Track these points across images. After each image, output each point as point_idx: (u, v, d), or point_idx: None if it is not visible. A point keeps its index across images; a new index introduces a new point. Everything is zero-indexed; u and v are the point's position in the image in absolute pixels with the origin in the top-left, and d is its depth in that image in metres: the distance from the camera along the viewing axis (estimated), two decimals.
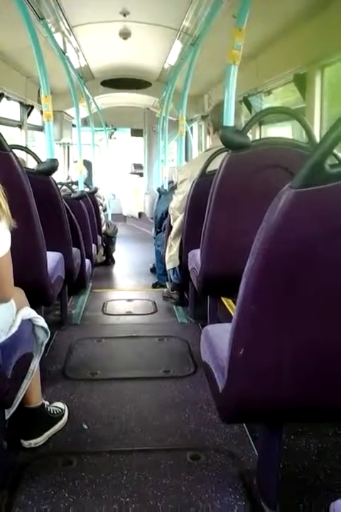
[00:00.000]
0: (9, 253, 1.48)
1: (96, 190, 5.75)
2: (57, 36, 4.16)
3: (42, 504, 1.54)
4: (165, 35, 4.52)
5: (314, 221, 1.05)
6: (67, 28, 4.11)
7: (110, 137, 9.73)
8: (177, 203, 3.24)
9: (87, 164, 6.10)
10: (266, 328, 1.16)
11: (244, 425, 1.96)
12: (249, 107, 4.39)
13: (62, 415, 2.02)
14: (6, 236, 1.44)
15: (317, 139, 2.32)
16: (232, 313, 1.30)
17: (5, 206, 1.42)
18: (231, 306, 3.41)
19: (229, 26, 2.27)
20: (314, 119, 3.04)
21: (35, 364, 1.77)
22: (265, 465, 1.54)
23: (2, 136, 1.97)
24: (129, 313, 3.72)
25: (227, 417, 1.45)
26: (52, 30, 3.90)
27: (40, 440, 1.86)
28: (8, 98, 4.69)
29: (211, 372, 1.44)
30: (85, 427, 2.00)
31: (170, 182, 5.23)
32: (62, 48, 4.45)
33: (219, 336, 1.51)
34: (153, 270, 5.12)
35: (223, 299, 3.46)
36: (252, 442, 1.87)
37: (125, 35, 4.48)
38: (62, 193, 3.34)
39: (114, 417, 2.08)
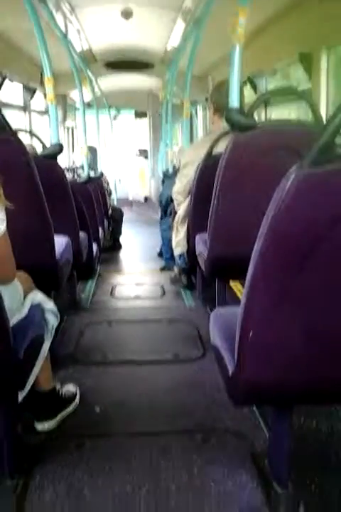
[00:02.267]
0: (6, 233, 1.48)
1: (101, 175, 5.75)
2: (59, 18, 4.12)
3: (57, 484, 1.57)
4: (167, 14, 4.46)
5: (323, 202, 1.04)
6: (69, 9, 4.07)
7: (114, 118, 9.68)
8: (181, 187, 3.20)
9: (92, 150, 6.09)
10: (275, 310, 1.16)
11: (254, 407, 1.97)
12: (254, 87, 4.34)
13: (74, 397, 2.05)
14: (1, 216, 1.43)
15: (324, 120, 2.30)
16: (240, 297, 1.30)
17: None
18: (239, 289, 3.41)
19: (232, 5, 2.24)
20: (320, 99, 3.00)
21: (45, 348, 1.79)
22: (276, 446, 1.56)
23: (6, 119, 1.97)
24: (138, 297, 3.75)
25: (237, 399, 1.46)
26: (54, 11, 3.86)
27: (53, 422, 1.89)
28: (11, 80, 4.67)
29: (220, 355, 1.45)
30: (97, 410, 2.02)
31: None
32: (64, 30, 4.40)
33: (228, 319, 1.52)
34: (160, 254, 5.13)
35: (231, 282, 3.46)
36: (263, 424, 1.88)
37: (127, 15, 4.42)
38: (68, 178, 3.34)
39: (126, 400, 2.10)
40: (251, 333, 1.20)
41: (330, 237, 1.06)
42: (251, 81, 4.34)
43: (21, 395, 1.71)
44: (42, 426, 1.88)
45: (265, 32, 3.94)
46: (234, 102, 2.35)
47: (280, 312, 1.17)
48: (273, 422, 1.57)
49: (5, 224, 1.44)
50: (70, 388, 2.09)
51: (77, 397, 2.07)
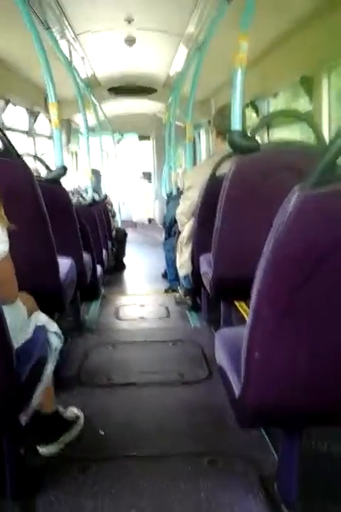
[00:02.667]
0: (9, 254, 1.49)
1: (105, 197, 5.80)
2: (63, 44, 4.20)
3: (61, 509, 1.55)
4: (170, 40, 4.54)
5: (325, 223, 1.04)
6: (73, 36, 4.15)
7: (118, 143, 9.79)
8: (185, 208, 3.23)
9: (96, 173, 6.15)
10: (281, 331, 1.16)
11: (262, 429, 1.95)
12: (256, 110, 4.39)
13: (78, 421, 2.03)
14: (4, 237, 1.45)
15: (327, 141, 2.31)
16: (246, 317, 1.30)
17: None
18: (245, 309, 3.40)
19: (235, 30, 2.28)
20: (322, 121, 3.03)
21: (49, 370, 1.78)
22: (285, 470, 1.53)
23: (11, 143, 1.99)
24: (142, 319, 3.73)
25: (244, 421, 1.44)
26: (58, 38, 3.94)
27: (55, 446, 1.87)
28: (14, 104, 4.75)
29: (226, 376, 1.44)
30: (102, 432, 2.00)
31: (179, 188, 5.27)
32: (68, 56, 4.48)
33: (234, 340, 1.51)
34: (164, 275, 5.13)
35: (236, 302, 3.45)
36: (271, 446, 1.85)
37: (130, 42, 4.50)
38: (73, 201, 3.37)
39: (130, 422, 2.08)
40: (256, 354, 1.19)
41: (333, 257, 1.06)
42: (253, 104, 4.39)
43: (24, 418, 1.70)
44: (44, 449, 1.86)
45: (266, 56, 3.99)
46: (236, 124, 2.37)
47: (286, 333, 1.16)
48: (282, 444, 1.54)
49: (8, 246, 1.46)
50: (74, 411, 2.07)
51: (81, 419, 2.05)
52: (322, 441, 1.87)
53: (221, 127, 2.95)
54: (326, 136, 2.91)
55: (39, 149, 5.74)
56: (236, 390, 1.33)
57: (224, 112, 2.84)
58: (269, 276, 1.12)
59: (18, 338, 1.56)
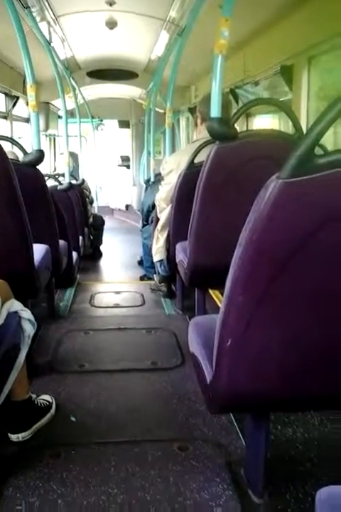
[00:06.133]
0: None
1: (83, 182, 5.73)
2: (43, 26, 4.10)
3: (31, 497, 1.53)
4: (151, 25, 4.49)
5: (301, 211, 1.05)
6: (53, 17, 4.06)
7: (97, 129, 9.67)
8: (164, 193, 3.23)
9: (74, 156, 6.06)
10: (254, 319, 1.16)
11: (231, 415, 1.97)
12: (236, 98, 4.38)
13: (50, 408, 2.01)
14: None
15: (304, 131, 2.32)
16: (220, 305, 1.30)
17: None
18: (218, 297, 3.42)
19: (216, 17, 2.25)
20: (300, 110, 3.04)
21: (21, 357, 1.76)
22: (252, 455, 1.56)
23: None
24: (117, 306, 3.72)
25: (215, 407, 1.46)
26: (38, 19, 3.85)
27: (27, 433, 1.85)
28: None
29: (199, 363, 1.45)
30: (73, 419, 1.99)
31: (157, 174, 5.23)
32: (48, 38, 4.39)
33: (207, 327, 1.51)
34: (140, 263, 5.12)
35: (211, 290, 3.47)
36: (239, 432, 1.88)
37: (111, 24, 4.43)
38: (49, 185, 3.32)
39: (102, 409, 2.08)
40: (229, 342, 1.20)
41: (307, 246, 1.07)
42: (233, 92, 4.38)
43: None
44: (16, 437, 1.83)
45: (248, 44, 3.99)
46: (215, 112, 2.36)
47: (258, 321, 1.17)
48: (249, 430, 1.57)
49: None
50: (46, 398, 2.05)
51: (53, 407, 2.03)
52: (287, 427, 1.91)
53: (206, 114, 2.94)
54: (304, 125, 2.92)
55: (16, 133, 5.62)
56: (208, 377, 1.34)
57: (209, 100, 2.82)
58: (244, 264, 1.12)
59: None
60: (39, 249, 2.60)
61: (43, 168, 3.38)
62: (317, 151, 1.02)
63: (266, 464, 1.53)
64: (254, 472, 1.55)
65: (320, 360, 1.22)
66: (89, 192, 6.39)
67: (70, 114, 6.37)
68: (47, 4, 3.68)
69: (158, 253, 3.39)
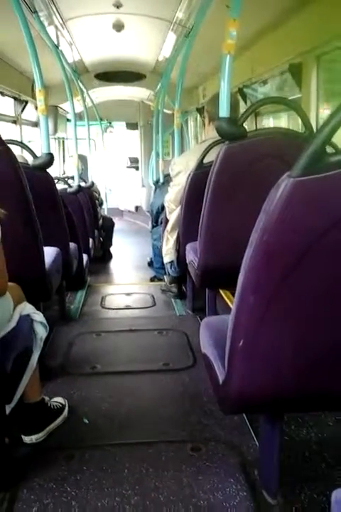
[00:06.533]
0: (1, 246, 1.46)
1: (92, 185, 5.74)
2: (51, 30, 4.12)
3: (45, 498, 1.54)
4: (158, 26, 4.49)
5: (313, 210, 1.04)
6: (60, 21, 4.08)
7: (105, 131, 9.70)
8: (173, 195, 3.22)
9: (83, 159, 6.08)
10: (266, 319, 1.16)
11: (245, 416, 1.96)
12: (244, 97, 4.37)
13: (63, 410, 2.02)
14: None
15: (314, 129, 2.31)
16: (231, 305, 1.30)
17: None
18: (229, 298, 3.41)
19: (223, 17, 2.25)
20: (310, 109, 3.02)
21: (34, 359, 1.77)
22: (266, 455, 1.55)
23: None
24: (128, 307, 3.73)
25: (228, 408, 1.45)
26: (45, 23, 3.87)
27: (40, 435, 1.86)
28: (2, 94, 4.66)
29: (211, 364, 1.44)
30: (86, 421, 2.00)
31: (166, 175, 5.23)
32: (56, 42, 4.41)
33: (219, 328, 1.51)
34: (150, 264, 5.12)
35: (221, 291, 3.46)
36: (253, 433, 1.87)
37: (118, 27, 4.44)
38: (58, 188, 3.33)
39: (115, 410, 2.08)
40: (241, 342, 1.19)
41: (319, 246, 1.06)
42: (241, 92, 4.37)
43: (9, 408, 1.68)
44: (29, 439, 1.84)
45: (256, 43, 3.97)
46: (224, 111, 2.35)
47: (270, 321, 1.16)
48: (263, 431, 1.56)
49: (0, 236, 1.43)
50: (59, 400, 2.06)
51: (66, 409, 2.04)
52: (301, 427, 1.90)
53: (214, 114, 2.93)
54: (313, 124, 2.90)
55: (26, 137, 5.66)
56: (220, 377, 1.33)
57: (217, 100, 2.82)
58: (256, 264, 1.12)
59: (2, 327, 1.54)
60: (50, 252, 2.61)
61: (53, 171, 3.40)
62: (328, 149, 1.01)
63: (280, 465, 1.52)
64: (268, 473, 1.54)
65: (333, 359, 1.21)
66: (99, 194, 6.40)
67: (79, 117, 6.39)
68: (54, 8, 3.70)
69: (168, 254, 3.39)
